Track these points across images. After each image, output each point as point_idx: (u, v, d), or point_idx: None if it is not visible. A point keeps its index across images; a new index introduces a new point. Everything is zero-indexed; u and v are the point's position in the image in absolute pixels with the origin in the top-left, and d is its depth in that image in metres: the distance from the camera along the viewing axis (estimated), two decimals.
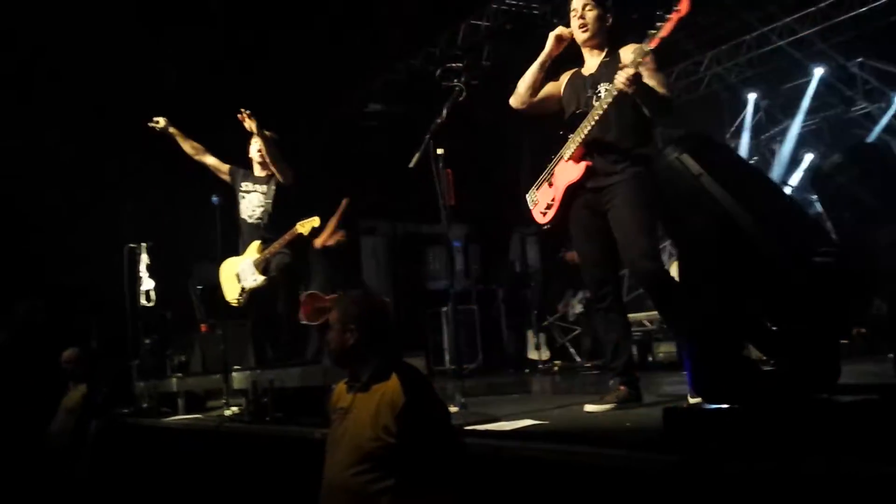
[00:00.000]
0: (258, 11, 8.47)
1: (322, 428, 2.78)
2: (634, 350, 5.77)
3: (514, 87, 3.89)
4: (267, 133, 5.26)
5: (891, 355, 2.15)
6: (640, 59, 3.33)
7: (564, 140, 3.68)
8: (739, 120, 10.20)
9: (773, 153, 10.06)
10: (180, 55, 8.99)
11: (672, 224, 2.42)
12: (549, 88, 3.84)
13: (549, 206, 3.73)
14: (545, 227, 3.80)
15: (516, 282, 10.44)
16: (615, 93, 3.39)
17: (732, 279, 2.06)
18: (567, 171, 3.64)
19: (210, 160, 5.57)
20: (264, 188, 5.36)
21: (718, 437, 2.00)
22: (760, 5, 8.91)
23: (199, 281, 7.40)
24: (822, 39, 9.06)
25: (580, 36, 3.68)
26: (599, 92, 3.58)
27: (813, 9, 8.62)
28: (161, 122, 5.49)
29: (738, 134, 10.10)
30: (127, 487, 5.21)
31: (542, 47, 3.76)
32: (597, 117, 3.51)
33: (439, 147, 3.72)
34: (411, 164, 3.78)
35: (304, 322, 6.43)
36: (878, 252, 2.14)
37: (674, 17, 3.22)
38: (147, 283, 6.58)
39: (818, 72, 9.26)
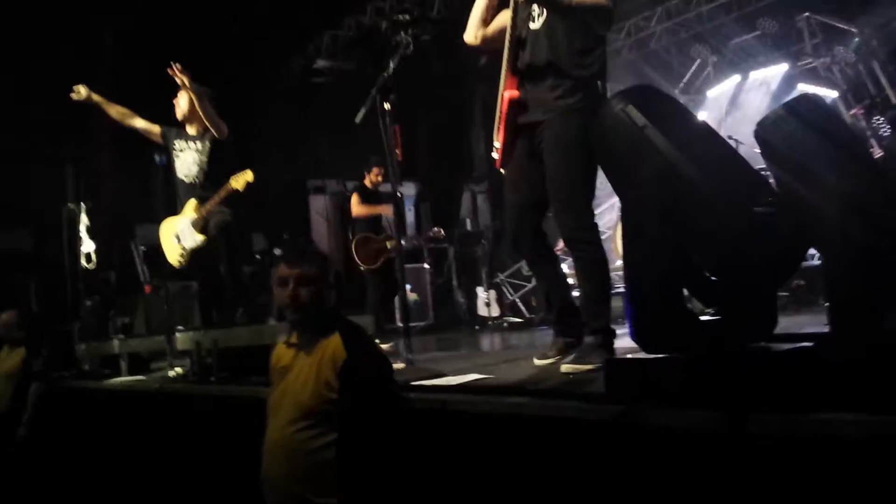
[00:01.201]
0: None
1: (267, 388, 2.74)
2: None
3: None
4: (200, 87, 5.09)
5: (826, 304, 2.18)
6: None
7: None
8: (688, 76, 10.24)
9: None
10: (121, 7, 8.70)
11: (616, 176, 2.40)
12: (504, 17, 3.42)
13: (496, 149, 3.39)
14: (502, 171, 3.46)
15: (467, 239, 10.44)
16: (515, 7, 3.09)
17: (674, 230, 2.06)
18: (502, 105, 3.29)
19: (139, 123, 5.39)
20: (198, 145, 5.20)
21: (659, 388, 2.01)
22: None
23: (143, 242, 7.24)
24: None
25: None
26: (532, 13, 3.25)
27: None
28: (82, 90, 5.29)
29: (686, 90, 10.16)
30: (69, 451, 5.13)
31: None
32: (508, 39, 3.22)
33: (387, 102, 3.64)
34: (357, 120, 3.68)
35: (363, 267, 6.39)
36: (817, 203, 2.15)
37: None
38: (88, 245, 6.42)
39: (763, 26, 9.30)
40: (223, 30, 8.98)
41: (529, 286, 8.84)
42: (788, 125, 2.25)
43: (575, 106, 3.14)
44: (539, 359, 3.35)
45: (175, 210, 5.24)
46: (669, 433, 1.97)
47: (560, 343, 3.32)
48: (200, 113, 5.05)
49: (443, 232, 7.75)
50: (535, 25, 3.25)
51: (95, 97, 5.31)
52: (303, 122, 10.41)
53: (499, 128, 3.36)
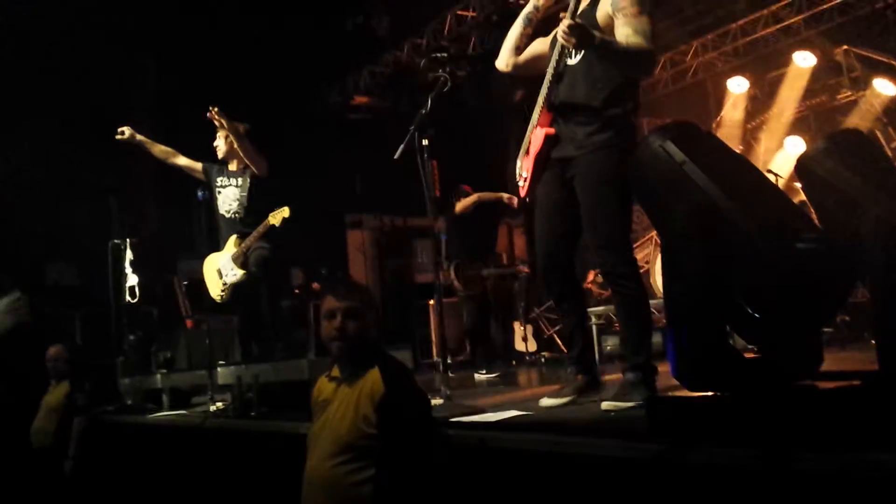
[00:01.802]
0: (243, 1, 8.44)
1: (307, 423, 2.76)
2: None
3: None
4: (239, 126, 5.22)
5: (872, 342, 2.14)
6: (614, 9, 3.00)
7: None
8: (725, 108, 10.19)
9: (758, 141, 10.07)
10: (162, 48, 8.95)
11: (656, 212, 2.40)
12: (537, 46, 3.47)
13: (523, 178, 3.38)
14: (525, 199, 3.48)
15: (503, 274, 10.41)
16: (560, 48, 3.08)
17: (715, 266, 2.05)
18: (535, 138, 3.29)
19: (182, 161, 5.55)
20: (239, 181, 5.31)
21: (702, 426, 1.99)
22: None
23: (185, 277, 7.35)
24: (806, 27, 9.07)
25: None
26: (570, 48, 3.21)
27: None
28: (126, 132, 5.47)
29: (724, 123, 10.10)
30: (113, 485, 5.18)
31: (529, 38, 3.54)
32: (550, 75, 3.22)
33: (425, 138, 3.68)
34: (396, 156, 3.73)
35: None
36: (861, 239, 2.12)
37: None
38: (132, 279, 6.53)
39: (803, 60, 9.26)
40: (261, 65, 9.17)
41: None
42: (831, 158, 2.24)
43: (609, 143, 3.13)
44: (550, 398, 3.28)
45: (218, 245, 5.36)
46: (712, 472, 1.94)
47: (579, 382, 3.31)
48: (240, 152, 5.17)
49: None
50: (572, 62, 3.24)
51: (139, 137, 5.48)
52: (339, 157, 10.55)
53: (527, 157, 3.36)
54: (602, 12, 3.15)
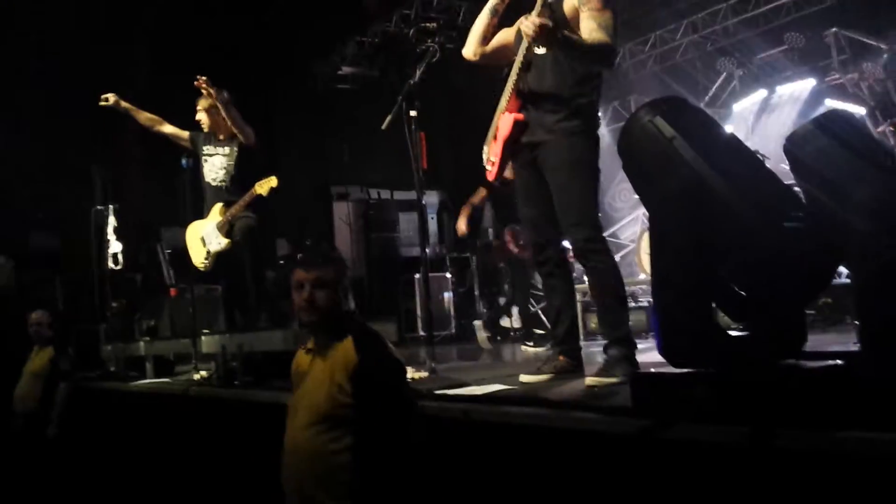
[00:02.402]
0: None
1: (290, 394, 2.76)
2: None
3: None
4: (225, 95, 5.16)
5: (855, 323, 2.17)
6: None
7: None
8: (714, 89, 10.19)
9: (745, 121, 10.08)
10: (151, 17, 8.82)
11: (644, 188, 2.40)
12: (503, 36, 3.55)
13: (492, 162, 3.46)
14: (493, 183, 3.63)
15: (489, 249, 10.42)
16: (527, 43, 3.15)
17: (702, 243, 2.05)
18: (503, 123, 3.37)
19: (168, 129, 5.48)
20: (226, 150, 5.26)
21: (686, 403, 2.01)
22: None
23: (169, 245, 7.32)
24: (797, 8, 9.06)
25: None
26: None
27: None
28: (110, 98, 5.39)
29: (713, 102, 10.10)
30: (95, 451, 5.18)
31: (519, 8, 3.54)
32: (518, 64, 3.29)
33: (412, 110, 3.65)
34: (384, 127, 3.70)
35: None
36: (847, 220, 2.14)
37: None
38: (115, 246, 6.49)
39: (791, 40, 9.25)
40: (248, 36, 9.06)
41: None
42: (818, 140, 2.25)
43: (577, 129, 3.25)
44: (529, 374, 3.32)
45: (202, 213, 5.31)
46: (695, 448, 1.96)
47: (562, 363, 3.34)
48: (228, 121, 5.12)
49: None
50: (540, 51, 3.27)
51: (124, 104, 5.40)
52: (326, 128, 10.47)
53: (494, 143, 3.43)
54: (569, 5, 3.25)
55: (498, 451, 2.59)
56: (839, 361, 1.98)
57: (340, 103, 10.60)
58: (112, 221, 6.51)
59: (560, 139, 3.24)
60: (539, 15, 3.08)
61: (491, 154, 3.46)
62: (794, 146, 2.31)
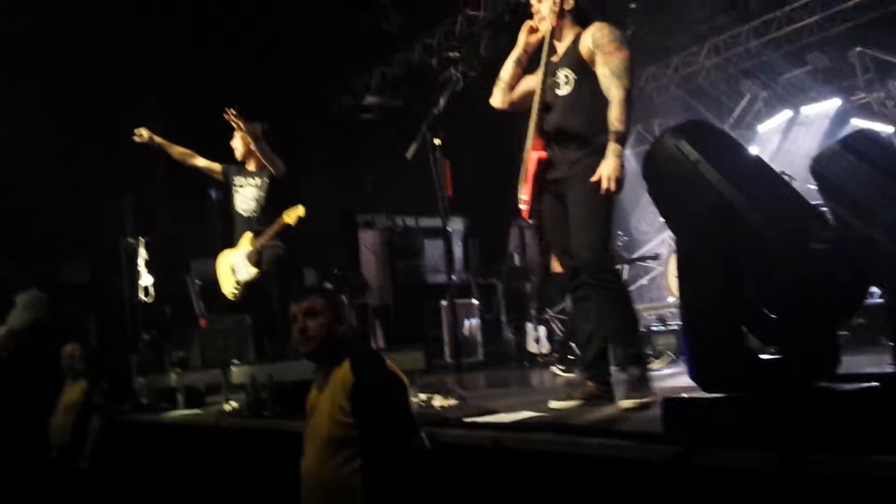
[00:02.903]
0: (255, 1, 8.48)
1: None
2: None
3: None
4: (257, 128, 5.25)
5: (890, 344, 2.13)
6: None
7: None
8: (738, 111, 10.16)
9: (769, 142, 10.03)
10: (177, 49, 8.99)
11: (670, 212, 2.40)
12: (529, 82, 3.67)
13: (525, 201, 3.60)
14: (529, 220, 3.77)
15: (516, 275, 10.41)
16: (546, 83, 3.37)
17: (730, 266, 2.04)
18: (529, 162, 3.52)
19: (200, 162, 5.54)
20: (257, 181, 5.35)
21: (717, 427, 1.99)
22: None
23: (198, 276, 7.39)
24: (820, 29, 9.03)
25: (542, 28, 3.54)
26: (558, 80, 3.45)
27: None
28: (144, 133, 5.45)
29: (737, 125, 10.07)
30: (128, 483, 5.21)
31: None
32: (537, 106, 3.43)
33: (437, 138, 3.69)
34: (408, 155, 3.76)
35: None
36: (876, 240, 2.12)
37: None
38: (146, 279, 6.57)
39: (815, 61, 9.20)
40: (273, 65, 9.20)
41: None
42: (845, 160, 2.23)
43: (597, 165, 3.29)
44: (558, 400, 3.32)
45: (233, 243, 5.38)
46: (728, 474, 1.94)
47: (590, 388, 3.35)
48: (259, 155, 5.20)
49: None
50: (561, 92, 3.44)
51: (157, 139, 5.47)
52: (351, 157, 10.57)
53: (526, 182, 3.56)
54: (584, 48, 3.37)
55: (529, 480, 2.58)
56: (874, 383, 1.95)
57: (364, 132, 10.70)
58: (143, 254, 6.60)
59: (581, 175, 3.33)
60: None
61: (523, 192, 3.58)
62: (821, 166, 2.29)
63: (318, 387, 2.66)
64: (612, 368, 3.43)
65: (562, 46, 3.52)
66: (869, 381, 1.96)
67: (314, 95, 10.27)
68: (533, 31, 3.58)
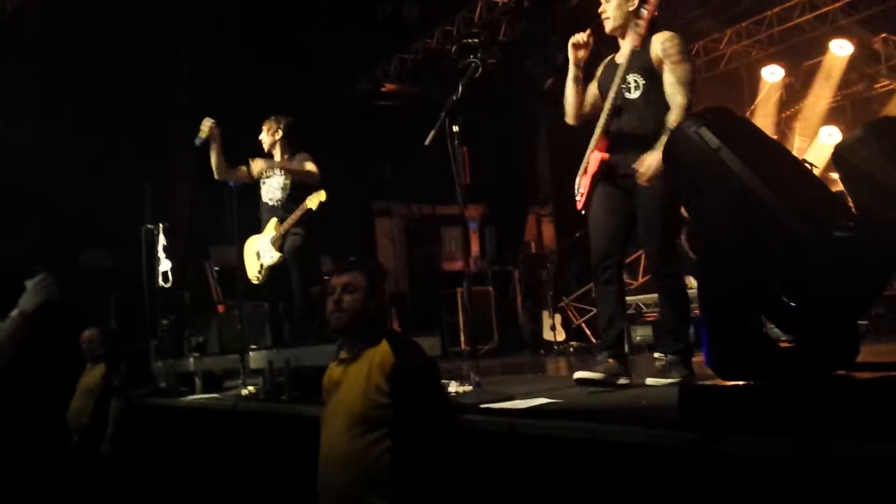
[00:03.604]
0: None
1: None
2: (650, 331, 5.90)
3: (532, 64, 3.92)
4: (282, 121, 5.38)
5: None
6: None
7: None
8: (760, 97, 10.05)
9: (792, 131, 9.93)
10: (194, 37, 9.03)
11: (690, 199, 2.38)
12: (591, 91, 3.82)
13: (581, 194, 3.76)
14: (581, 212, 3.86)
15: (532, 263, 10.41)
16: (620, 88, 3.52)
17: (751, 254, 2.03)
18: (592, 161, 3.66)
19: (234, 175, 5.50)
20: (280, 172, 5.43)
21: (735, 415, 1.98)
22: None
23: (216, 262, 7.45)
24: (844, 15, 8.90)
25: (606, 27, 3.69)
26: (629, 84, 3.59)
27: None
28: (207, 125, 5.35)
29: (758, 110, 9.97)
30: (147, 466, 5.27)
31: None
32: (609, 108, 3.56)
33: (455, 125, 3.69)
34: (427, 142, 3.74)
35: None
36: None
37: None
38: (164, 264, 6.63)
39: (840, 48, 9.09)
40: (292, 53, 9.22)
41: (594, 311, 8.77)
42: (869, 147, 2.21)
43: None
44: (583, 371, 3.51)
45: (259, 230, 5.47)
46: (745, 461, 1.93)
47: (611, 365, 3.50)
48: (295, 176, 5.31)
49: None
50: (630, 96, 3.58)
51: (215, 143, 5.40)
52: (369, 144, 10.58)
53: (584, 176, 3.72)
54: (654, 55, 3.53)
55: (545, 466, 2.58)
56: (893, 373, 1.93)
57: (382, 120, 10.71)
58: (162, 240, 6.65)
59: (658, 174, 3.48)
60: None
61: (581, 186, 3.74)
62: (843, 154, 2.27)
63: (345, 363, 2.64)
64: (656, 353, 3.75)
65: (626, 46, 3.65)
66: (888, 370, 1.95)
67: (333, 82, 10.29)
68: (578, 46, 3.70)
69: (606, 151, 3.61)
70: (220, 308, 6.84)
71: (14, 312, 2.90)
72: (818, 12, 8.95)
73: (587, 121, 3.84)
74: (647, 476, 2.23)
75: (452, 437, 2.57)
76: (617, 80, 3.58)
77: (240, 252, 5.49)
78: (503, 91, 9.84)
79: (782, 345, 2.10)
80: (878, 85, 9.12)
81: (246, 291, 5.56)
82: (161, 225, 6.66)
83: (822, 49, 9.29)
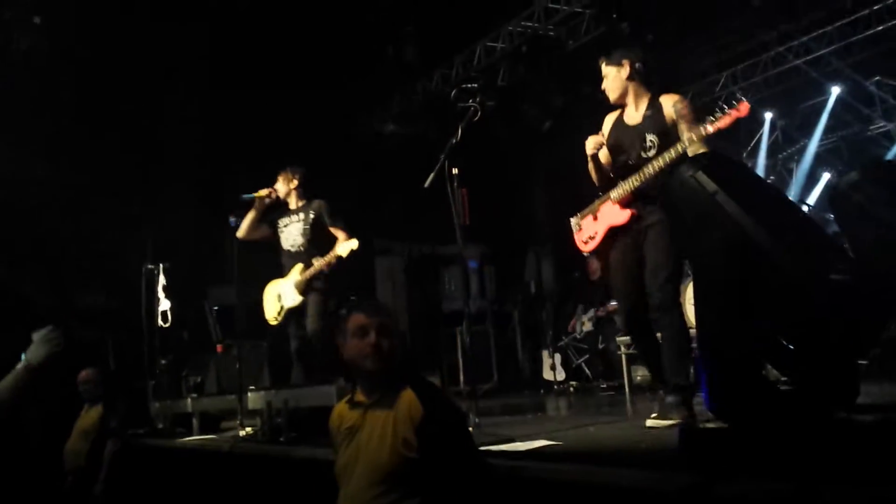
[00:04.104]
0: (274, 29, 8.59)
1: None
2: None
3: (529, 108, 4.02)
4: (297, 173, 5.55)
5: None
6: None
7: (613, 183, 3.91)
8: (756, 139, 10.15)
9: (790, 172, 10.01)
10: (200, 75, 9.12)
11: (688, 241, 2.40)
12: (604, 152, 4.00)
13: (591, 238, 4.01)
14: (584, 254, 4.14)
15: (531, 302, 10.40)
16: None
17: (749, 297, 2.04)
18: (613, 213, 3.88)
19: (258, 234, 5.60)
20: (301, 216, 5.52)
21: (735, 458, 1.97)
22: (776, 24, 8.91)
23: (215, 302, 7.45)
24: (838, 58, 9.04)
25: (610, 99, 3.95)
26: (647, 144, 3.76)
27: (829, 28, 8.61)
28: (265, 191, 5.51)
29: (754, 153, 10.06)
30: None
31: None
32: (648, 175, 3.70)
33: (454, 167, 3.73)
34: (426, 184, 3.79)
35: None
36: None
37: (732, 115, 3.45)
38: (164, 304, 6.63)
39: (835, 91, 9.21)
40: (292, 94, 9.31)
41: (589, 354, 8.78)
42: (863, 189, 2.24)
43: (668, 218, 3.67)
44: (653, 420, 3.62)
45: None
46: None
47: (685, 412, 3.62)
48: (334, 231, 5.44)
49: None
50: (646, 155, 3.76)
51: (260, 208, 5.53)
52: (370, 184, 10.64)
53: (595, 221, 3.99)
54: (667, 116, 3.76)
55: None
56: (894, 415, 1.93)
57: (382, 160, 10.78)
58: (162, 280, 6.66)
59: (657, 225, 3.72)
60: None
61: (589, 229, 4.02)
62: (840, 195, 2.30)
63: (362, 407, 2.47)
64: (660, 392, 3.73)
65: (638, 111, 3.89)
66: (888, 413, 1.95)
67: (334, 123, 10.38)
68: (595, 146, 3.90)
69: (631, 207, 3.81)
70: (219, 348, 6.82)
71: (20, 365, 2.88)
72: (812, 56, 9.08)
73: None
74: None
75: (486, 489, 2.40)
76: (637, 142, 3.80)
77: (255, 294, 5.57)
78: (501, 133, 9.95)
79: (782, 387, 2.10)
80: (873, 126, 9.22)
81: (245, 331, 5.55)
82: (161, 265, 6.68)
83: (817, 91, 9.41)
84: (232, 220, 5.43)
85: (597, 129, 4.02)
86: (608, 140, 3.94)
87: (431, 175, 3.77)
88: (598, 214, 3.99)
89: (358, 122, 10.92)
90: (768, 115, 10.11)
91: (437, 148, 3.83)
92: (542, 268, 11.81)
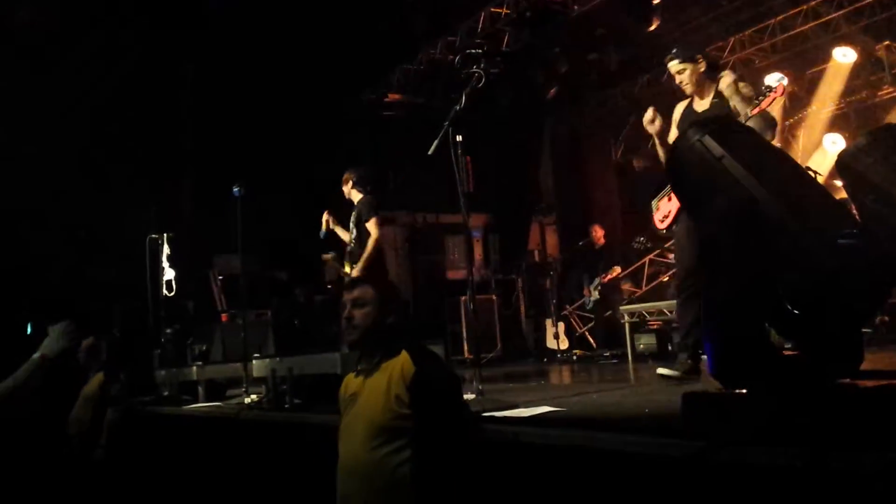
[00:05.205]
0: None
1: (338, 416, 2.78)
2: (654, 339, 6.21)
3: (535, 74, 4.04)
4: (352, 176, 5.85)
5: None
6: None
7: None
8: (763, 104, 10.04)
9: (796, 139, 9.93)
10: (199, 50, 9.07)
11: (694, 207, 2.38)
12: (674, 133, 4.29)
13: (666, 216, 4.34)
14: (661, 231, 4.49)
15: (535, 271, 10.40)
16: None
17: (755, 261, 2.02)
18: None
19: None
20: (354, 214, 5.82)
21: (738, 422, 1.97)
22: None
23: (220, 271, 7.46)
24: (847, 23, 8.91)
25: (686, 92, 4.28)
26: None
27: None
28: (325, 218, 5.96)
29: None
30: (148, 474, 5.26)
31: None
32: None
33: (458, 134, 3.70)
34: (430, 151, 3.76)
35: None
36: None
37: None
38: (168, 273, 6.64)
39: (843, 55, 9.09)
40: (297, 64, 9.25)
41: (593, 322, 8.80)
42: (872, 154, 2.20)
43: None
44: (664, 368, 4.19)
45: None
46: (748, 470, 1.92)
47: (689, 366, 4.06)
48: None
49: None
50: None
51: (337, 227, 5.98)
52: (373, 154, 10.60)
53: (669, 201, 4.33)
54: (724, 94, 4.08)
55: (548, 475, 2.57)
56: None
57: (387, 129, 10.73)
58: (166, 249, 6.67)
59: None
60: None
61: (665, 209, 4.37)
62: (847, 161, 2.27)
63: (363, 374, 2.65)
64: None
65: (705, 100, 4.22)
66: (892, 378, 1.94)
67: (338, 92, 10.31)
68: (651, 121, 4.19)
69: None
70: (224, 317, 6.84)
71: (36, 355, 2.93)
72: (821, 20, 8.95)
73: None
74: (651, 484, 2.21)
75: (477, 446, 2.57)
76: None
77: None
78: (506, 100, 9.87)
79: (786, 353, 2.09)
80: (882, 92, 9.11)
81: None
82: (165, 234, 6.68)
83: (825, 57, 9.29)
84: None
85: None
86: (679, 127, 4.20)
87: (435, 142, 3.74)
88: (672, 195, 4.26)
89: (361, 91, 10.85)
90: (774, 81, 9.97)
91: (441, 116, 3.79)
92: (545, 236, 11.80)
